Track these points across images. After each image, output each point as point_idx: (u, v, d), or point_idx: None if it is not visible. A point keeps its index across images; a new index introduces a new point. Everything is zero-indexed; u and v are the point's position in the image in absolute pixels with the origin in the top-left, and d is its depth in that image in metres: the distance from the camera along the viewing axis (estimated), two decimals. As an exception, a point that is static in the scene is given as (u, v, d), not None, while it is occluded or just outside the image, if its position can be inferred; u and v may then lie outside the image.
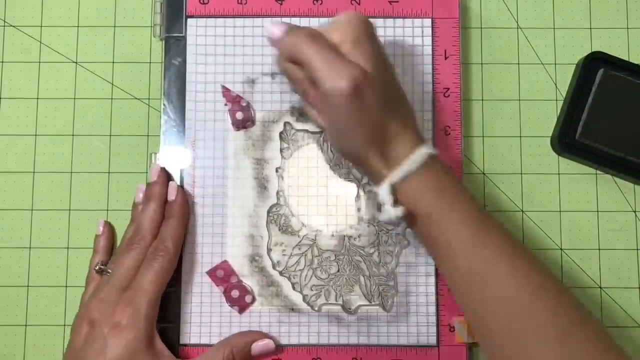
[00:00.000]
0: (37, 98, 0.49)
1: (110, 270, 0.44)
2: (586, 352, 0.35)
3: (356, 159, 0.41)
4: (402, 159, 0.39)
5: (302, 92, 0.42)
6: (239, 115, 0.47)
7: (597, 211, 0.49)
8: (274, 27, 0.41)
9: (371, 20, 0.41)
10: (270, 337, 0.45)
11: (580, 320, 0.36)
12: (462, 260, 0.38)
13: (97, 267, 0.45)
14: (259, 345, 0.45)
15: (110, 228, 0.47)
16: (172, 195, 0.45)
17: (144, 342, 0.41)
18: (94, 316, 0.42)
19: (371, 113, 0.39)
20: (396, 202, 0.39)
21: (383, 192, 0.39)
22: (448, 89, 0.48)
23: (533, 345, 0.36)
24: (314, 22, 0.48)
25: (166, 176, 0.46)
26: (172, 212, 0.45)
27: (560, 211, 0.49)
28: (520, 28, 0.50)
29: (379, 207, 0.39)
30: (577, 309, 0.37)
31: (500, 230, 0.39)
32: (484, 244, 0.38)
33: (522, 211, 0.49)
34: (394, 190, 0.39)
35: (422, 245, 0.44)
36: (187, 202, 0.46)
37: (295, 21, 0.48)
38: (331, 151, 0.47)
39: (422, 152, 0.39)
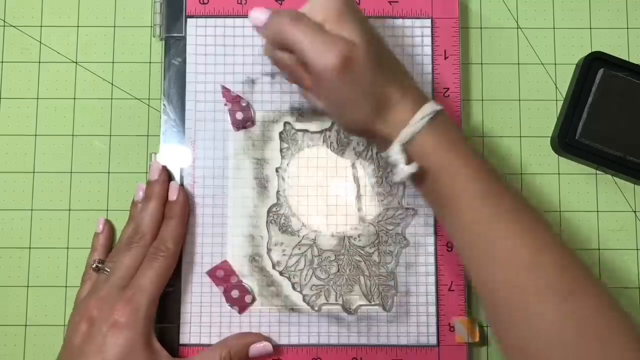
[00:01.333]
0: (37, 98, 0.49)
1: (108, 269, 0.44)
2: (588, 311, 0.35)
3: (363, 132, 0.41)
4: (408, 118, 0.39)
5: (296, 78, 0.42)
6: (239, 115, 0.47)
7: (597, 211, 0.49)
8: (257, 12, 0.40)
9: None
10: (269, 339, 0.45)
11: (584, 280, 0.36)
12: (468, 214, 0.38)
13: (94, 265, 0.45)
14: (256, 347, 0.45)
15: (110, 227, 0.47)
16: (173, 195, 0.45)
17: (142, 342, 0.41)
18: (93, 314, 0.42)
19: (367, 83, 0.39)
20: (408, 162, 0.39)
21: (394, 152, 0.39)
22: (448, 89, 0.48)
23: (534, 303, 0.35)
24: (313, 22, 0.48)
25: (167, 175, 0.46)
26: (173, 212, 0.45)
27: (560, 211, 0.49)
28: (520, 28, 0.50)
29: (391, 169, 0.39)
30: (580, 268, 0.36)
31: (508, 187, 0.39)
32: (491, 200, 0.38)
33: (522, 211, 0.49)
34: (405, 149, 0.39)
35: (429, 204, 0.43)
36: (188, 202, 0.46)
37: (295, 21, 0.48)
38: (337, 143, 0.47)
39: (427, 109, 0.39)
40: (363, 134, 0.41)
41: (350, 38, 0.38)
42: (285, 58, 0.41)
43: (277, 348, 0.46)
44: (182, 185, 0.46)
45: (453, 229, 0.40)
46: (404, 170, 0.38)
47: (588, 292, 0.35)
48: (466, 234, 0.38)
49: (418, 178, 0.39)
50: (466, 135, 0.43)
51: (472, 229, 0.38)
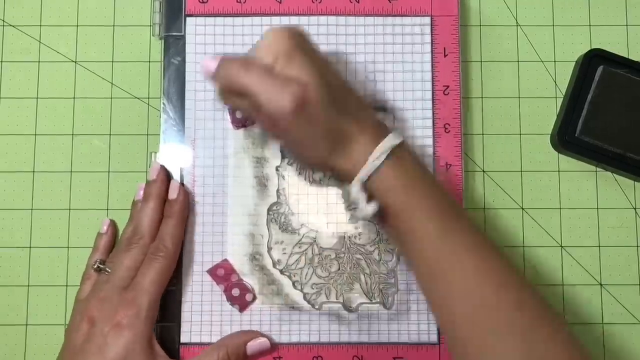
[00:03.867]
0: (37, 98, 0.49)
1: (108, 269, 0.44)
2: (550, 349, 0.35)
3: (322, 167, 0.41)
4: (366, 155, 0.39)
5: (252, 118, 0.42)
6: (239, 113, 0.47)
7: (597, 208, 0.49)
8: (207, 61, 0.40)
9: (300, 28, 0.40)
10: (266, 336, 0.45)
11: (544, 318, 0.36)
12: (428, 252, 0.38)
13: (95, 265, 0.45)
14: (254, 345, 0.44)
15: (114, 229, 0.47)
16: (173, 194, 0.45)
17: (143, 343, 0.41)
18: (94, 315, 0.42)
19: (322, 122, 0.38)
20: (369, 199, 0.39)
21: (354, 190, 0.39)
22: (448, 86, 0.48)
23: (496, 342, 0.36)
24: (313, 21, 0.48)
25: (166, 174, 0.46)
26: (172, 211, 0.45)
27: (560, 208, 0.49)
28: (520, 25, 0.50)
29: (353, 206, 0.39)
30: (541, 306, 0.37)
31: (468, 224, 0.39)
32: (451, 238, 0.38)
33: (522, 208, 0.49)
34: (365, 187, 0.39)
35: (390, 240, 0.44)
36: (188, 201, 0.46)
37: (295, 20, 0.48)
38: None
39: (386, 144, 0.39)
40: (322, 170, 0.42)
41: (302, 78, 0.38)
42: (237, 102, 0.40)
43: (277, 346, 0.46)
44: (182, 184, 0.46)
45: (414, 265, 0.40)
46: (364, 209, 0.38)
47: (550, 330, 0.36)
48: (426, 270, 0.39)
49: (379, 215, 0.39)
50: (426, 166, 0.43)
51: (432, 267, 0.38)
